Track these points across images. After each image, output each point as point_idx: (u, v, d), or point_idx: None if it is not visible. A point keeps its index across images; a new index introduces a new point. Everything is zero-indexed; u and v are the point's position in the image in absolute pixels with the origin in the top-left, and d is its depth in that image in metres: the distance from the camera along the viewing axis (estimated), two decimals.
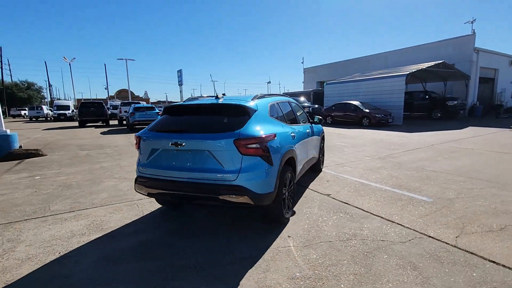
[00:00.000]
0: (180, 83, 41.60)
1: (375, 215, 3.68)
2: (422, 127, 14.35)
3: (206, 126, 3.01)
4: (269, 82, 60.39)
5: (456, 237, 3.04)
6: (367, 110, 15.32)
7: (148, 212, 3.92)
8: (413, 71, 16.01)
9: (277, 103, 3.90)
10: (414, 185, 4.88)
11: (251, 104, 3.22)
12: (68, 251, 2.90)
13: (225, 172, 2.78)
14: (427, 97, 17.85)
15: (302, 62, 35.51)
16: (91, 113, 20.52)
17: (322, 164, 6.17)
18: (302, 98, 21.15)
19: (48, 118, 34.91)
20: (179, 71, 40.75)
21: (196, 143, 2.85)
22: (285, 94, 4.63)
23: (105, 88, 63.76)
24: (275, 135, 3.11)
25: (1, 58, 53.60)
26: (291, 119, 4.24)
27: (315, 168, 5.85)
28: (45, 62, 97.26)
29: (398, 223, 3.41)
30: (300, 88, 33.34)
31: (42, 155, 8.52)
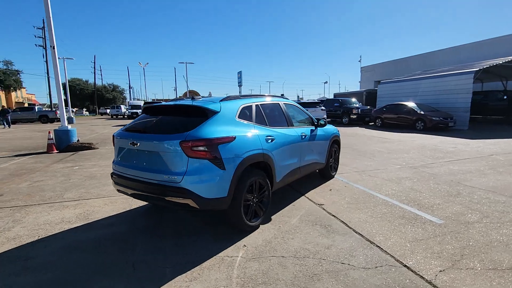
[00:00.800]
0: (240, 84, 43.19)
1: (356, 232, 3.23)
2: (492, 133, 12.07)
3: (164, 127, 3.05)
4: (325, 82, 58.31)
5: (440, 271, 2.47)
6: (422, 112, 13.51)
7: (136, 207, 4.14)
8: (485, 67, 13.54)
9: (257, 105, 3.72)
10: (432, 202, 4.14)
11: (213, 106, 3.13)
12: (47, 235, 3.25)
13: (172, 174, 2.76)
14: (505, 97, 14.91)
15: (359, 61, 33.27)
16: None
17: (334, 171, 5.68)
18: (353, 99, 19.85)
19: (125, 116, 40.03)
20: (239, 73, 42.43)
21: (147, 144, 2.91)
22: (279, 95, 4.41)
23: (174, 90, 69.94)
24: (233, 138, 2.97)
25: (94, 65, 63.43)
26: (278, 122, 4.01)
27: (323, 175, 5.43)
28: (127, 67, 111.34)
29: (377, 245, 2.93)
30: (358, 88, 31.27)
31: (93, 148, 9.76)
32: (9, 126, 21.69)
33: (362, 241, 3.03)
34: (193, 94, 4.55)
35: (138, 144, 2.94)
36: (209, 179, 2.77)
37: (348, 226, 3.41)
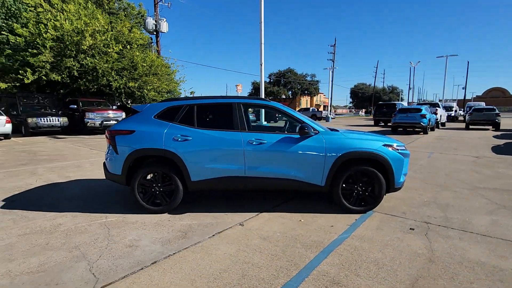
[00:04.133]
0: None
1: (177, 251, 2.79)
2: None
3: None
4: None
5: None
6: None
7: None
8: None
9: (191, 106, 3.89)
10: None
11: (141, 107, 4.03)
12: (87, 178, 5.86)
13: None
14: None
15: None
16: (383, 113, 21.91)
17: (364, 205, 3.81)
18: None
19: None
20: None
21: None
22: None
23: (462, 88, 58.06)
24: (130, 132, 3.78)
25: (376, 69, 68.19)
26: (217, 124, 3.90)
27: (334, 202, 3.89)
28: (410, 68, 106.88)
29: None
30: None
31: None
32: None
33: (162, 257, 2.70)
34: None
35: None
36: (110, 159, 3.91)
37: (191, 244, 2.93)
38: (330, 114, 36.61)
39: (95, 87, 17.82)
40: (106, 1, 22.67)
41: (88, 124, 14.40)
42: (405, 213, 3.82)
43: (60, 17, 16.29)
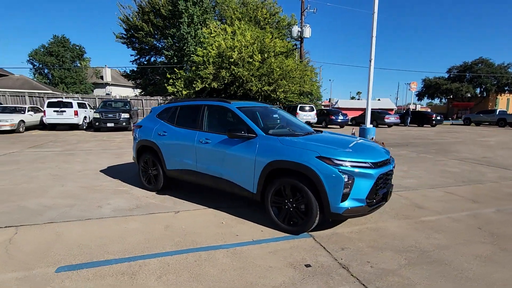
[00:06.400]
0: None
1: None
2: None
3: None
4: None
5: None
6: None
7: None
8: None
9: (177, 107, 4.62)
10: None
11: (154, 107, 5.16)
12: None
13: None
14: None
15: None
16: None
17: (293, 225, 3.24)
18: None
19: None
20: None
21: None
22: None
23: None
24: (140, 126, 4.99)
25: None
26: (188, 123, 4.40)
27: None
28: None
29: None
30: None
31: None
32: (405, 125, 25.09)
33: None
34: None
35: None
36: (132, 146, 5.31)
37: (125, 215, 3.75)
38: None
39: (241, 91, 21.57)
40: (262, 18, 26.51)
41: None
42: (346, 249, 2.87)
43: (221, 38, 20.88)
